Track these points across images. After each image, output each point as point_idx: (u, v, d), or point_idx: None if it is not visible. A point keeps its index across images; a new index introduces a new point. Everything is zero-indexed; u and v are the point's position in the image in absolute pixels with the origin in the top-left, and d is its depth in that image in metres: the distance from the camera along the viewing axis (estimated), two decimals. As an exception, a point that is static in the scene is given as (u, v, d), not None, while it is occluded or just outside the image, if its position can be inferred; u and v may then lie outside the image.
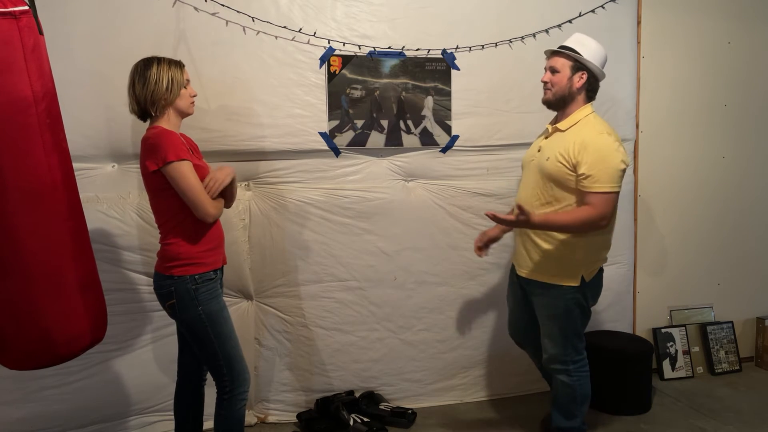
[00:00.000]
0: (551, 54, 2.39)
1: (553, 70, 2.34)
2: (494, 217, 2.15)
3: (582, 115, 2.33)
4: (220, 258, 2.22)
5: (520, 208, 2.19)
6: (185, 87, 2.14)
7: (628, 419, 3.00)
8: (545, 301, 2.41)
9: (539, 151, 2.42)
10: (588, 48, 2.31)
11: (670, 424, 2.96)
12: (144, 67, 2.08)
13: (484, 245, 2.67)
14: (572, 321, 2.39)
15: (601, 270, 2.42)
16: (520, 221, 2.18)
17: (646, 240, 3.50)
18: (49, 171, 1.71)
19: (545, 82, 2.37)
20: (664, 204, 3.53)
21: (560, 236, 2.33)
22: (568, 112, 2.36)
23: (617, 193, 2.23)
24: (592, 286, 2.39)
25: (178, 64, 2.14)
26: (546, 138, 2.43)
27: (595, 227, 2.23)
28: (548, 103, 2.40)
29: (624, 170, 2.24)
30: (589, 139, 2.23)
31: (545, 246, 2.37)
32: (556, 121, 2.42)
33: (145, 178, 2.10)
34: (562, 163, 2.27)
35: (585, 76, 2.31)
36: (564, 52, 2.33)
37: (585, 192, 2.22)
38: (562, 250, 2.34)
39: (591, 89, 2.36)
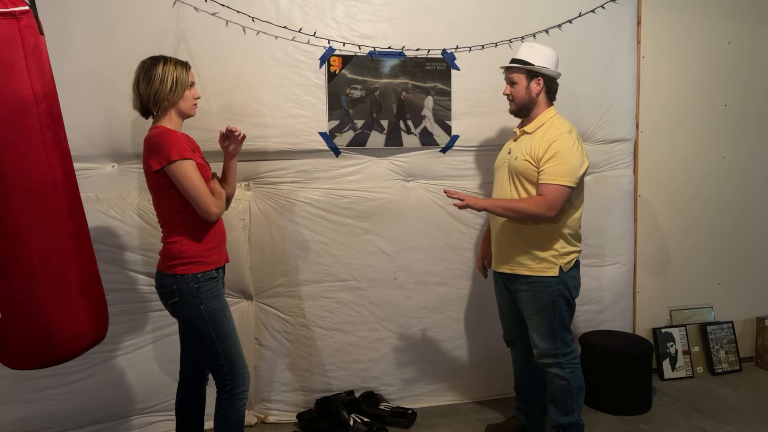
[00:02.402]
0: (505, 69, 2.56)
1: (512, 83, 2.52)
2: (448, 192, 2.31)
3: (547, 117, 2.50)
4: (222, 256, 2.22)
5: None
6: (189, 89, 2.14)
7: (628, 419, 3.00)
8: (530, 295, 2.48)
9: (509, 153, 2.56)
10: (538, 54, 2.49)
11: (670, 424, 2.96)
12: (150, 65, 2.08)
13: (483, 266, 2.84)
14: (558, 313, 2.46)
15: (578, 262, 2.52)
16: (468, 203, 2.31)
17: (646, 240, 3.50)
18: (50, 170, 1.71)
19: (507, 95, 2.55)
20: (664, 204, 3.53)
21: (533, 229, 2.44)
22: (533, 116, 2.53)
23: (571, 189, 2.35)
24: (571, 278, 2.48)
25: (185, 65, 2.13)
26: (515, 141, 2.58)
27: (541, 216, 2.36)
28: (514, 113, 2.59)
29: (584, 170, 2.40)
30: (553, 137, 2.40)
31: (519, 240, 2.47)
32: (523, 125, 2.57)
33: (148, 177, 2.10)
34: (528, 161, 2.43)
35: (541, 81, 2.49)
36: (515, 66, 2.50)
37: (540, 183, 2.38)
38: (536, 242, 2.44)
39: (550, 91, 2.53)
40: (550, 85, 2.51)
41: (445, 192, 2.31)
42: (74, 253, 1.80)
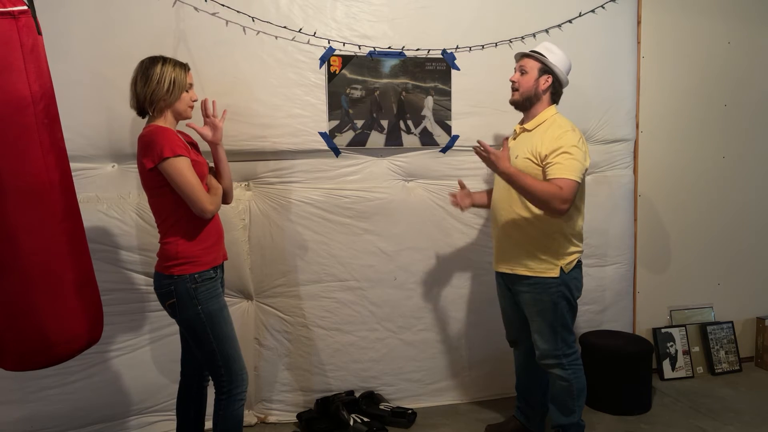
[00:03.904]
0: (521, 56, 2.52)
1: (523, 71, 2.48)
2: (479, 143, 2.24)
3: (548, 115, 2.46)
4: (219, 255, 2.21)
5: (505, 142, 2.40)
6: (187, 91, 2.13)
7: (628, 419, 3.00)
8: (531, 297, 2.47)
9: (509, 151, 2.51)
10: (555, 55, 2.47)
11: (670, 424, 2.96)
12: (149, 64, 2.07)
13: (461, 198, 2.67)
14: (559, 314, 2.45)
15: (580, 262, 2.50)
16: (492, 159, 2.25)
17: (646, 239, 3.50)
18: (46, 171, 1.70)
19: (513, 82, 2.50)
20: (664, 203, 3.53)
21: (534, 229, 2.41)
22: (533, 112, 2.48)
23: (579, 185, 2.33)
24: (573, 278, 2.46)
25: (184, 67, 2.12)
26: (514, 139, 2.56)
27: (553, 207, 2.27)
28: (516, 104, 2.52)
29: (585, 168, 2.37)
30: (558, 134, 2.36)
31: (520, 239, 2.46)
32: (523, 122, 2.54)
33: (142, 177, 2.10)
34: (530, 159, 2.39)
35: (550, 80, 2.46)
36: (533, 54, 2.47)
37: (553, 177, 2.29)
38: (537, 242, 2.42)
39: (555, 92, 2.49)
40: (558, 87, 2.49)
41: (477, 143, 2.22)
42: (70, 254, 1.79)
